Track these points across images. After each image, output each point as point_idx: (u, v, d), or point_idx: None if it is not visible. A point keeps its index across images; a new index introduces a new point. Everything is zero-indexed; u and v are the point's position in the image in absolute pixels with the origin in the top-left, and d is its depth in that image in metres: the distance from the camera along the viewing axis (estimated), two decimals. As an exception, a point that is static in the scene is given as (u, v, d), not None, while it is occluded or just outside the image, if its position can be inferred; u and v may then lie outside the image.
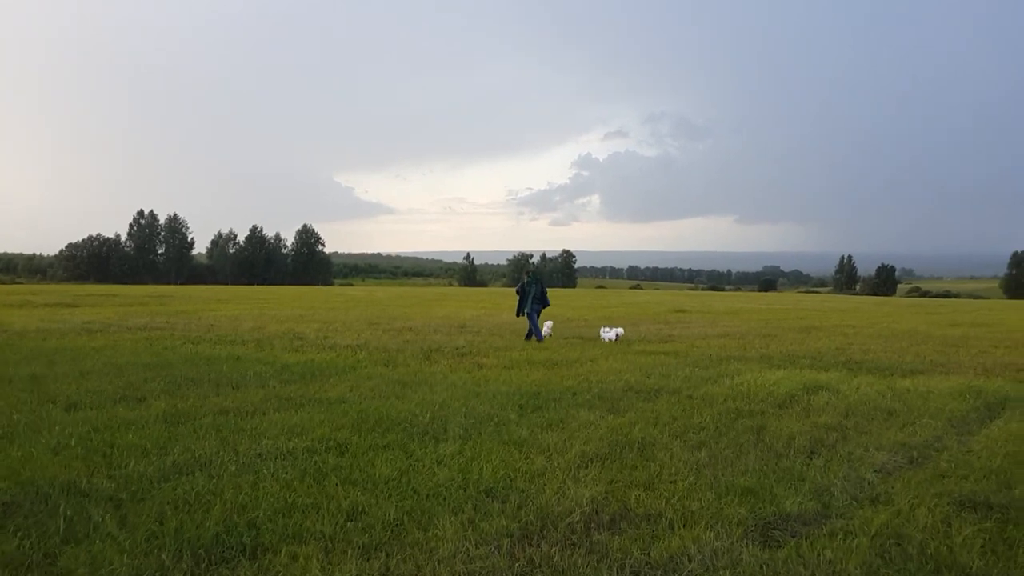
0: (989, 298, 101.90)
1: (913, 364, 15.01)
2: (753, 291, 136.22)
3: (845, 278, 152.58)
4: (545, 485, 5.92)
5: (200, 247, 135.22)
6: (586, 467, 6.51)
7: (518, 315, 19.19)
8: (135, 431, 7.40)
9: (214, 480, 5.81)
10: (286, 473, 6.06)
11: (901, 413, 9.45)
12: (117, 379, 10.72)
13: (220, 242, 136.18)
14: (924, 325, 29.28)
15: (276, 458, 6.54)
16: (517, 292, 19.16)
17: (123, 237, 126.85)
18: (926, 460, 7.17)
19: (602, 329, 19.52)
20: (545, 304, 18.89)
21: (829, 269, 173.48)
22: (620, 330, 19.43)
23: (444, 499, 5.53)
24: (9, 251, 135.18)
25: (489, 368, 13.31)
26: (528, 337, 18.56)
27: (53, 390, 9.70)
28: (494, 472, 6.22)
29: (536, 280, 18.90)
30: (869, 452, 7.38)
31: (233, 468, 6.18)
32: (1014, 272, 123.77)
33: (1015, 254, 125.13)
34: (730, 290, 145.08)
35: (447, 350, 16.01)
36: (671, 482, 6.11)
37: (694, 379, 12.18)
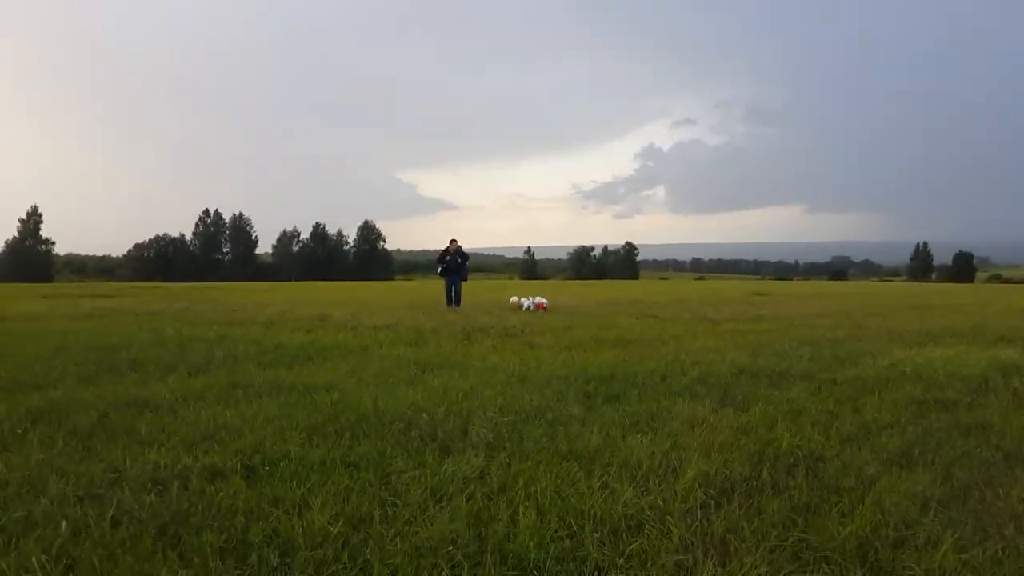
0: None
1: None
2: (823, 280, 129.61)
3: (920, 266, 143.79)
4: (648, 560, 2.78)
5: (266, 246, 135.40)
6: (718, 509, 3.34)
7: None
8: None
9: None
10: (129, 531, 3.03)
11: None
12: (35, 364, 7.88)
13: (284, 240, 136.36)
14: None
15: (141, 489, 3.55)
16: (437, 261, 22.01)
17: (188, 237, 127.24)
18: None
19: (518, 299, 20.56)
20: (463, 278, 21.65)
21: (901, 259, 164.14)
22: (540, 299, 19.37)
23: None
24: (80, 252, 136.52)
25: (544, 348, 10.21)
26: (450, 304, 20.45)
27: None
28: (541, 523, 3.10)
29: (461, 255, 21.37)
30: None
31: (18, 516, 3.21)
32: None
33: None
34: (798, 280, 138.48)
35: (494, 329, 12.92)
36: (918, 547, 2.90)
37: (823, 359, 8.83)
